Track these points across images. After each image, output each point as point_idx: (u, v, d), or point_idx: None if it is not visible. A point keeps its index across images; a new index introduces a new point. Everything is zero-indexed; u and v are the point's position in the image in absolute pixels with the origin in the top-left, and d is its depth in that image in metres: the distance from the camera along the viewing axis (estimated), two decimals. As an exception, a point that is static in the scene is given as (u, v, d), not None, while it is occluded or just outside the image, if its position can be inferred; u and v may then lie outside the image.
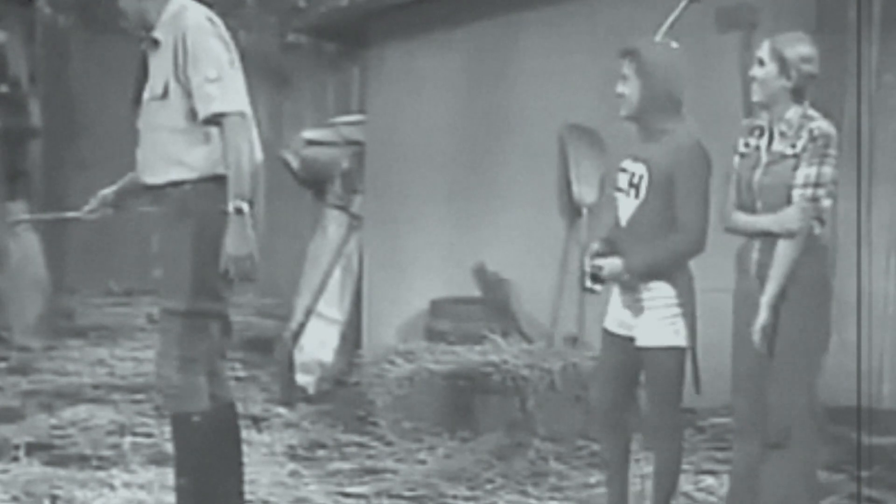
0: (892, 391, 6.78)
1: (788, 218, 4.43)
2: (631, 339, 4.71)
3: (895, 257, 6.88)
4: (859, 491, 5.37)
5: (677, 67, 4.69)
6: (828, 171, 4.41)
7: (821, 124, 4.43)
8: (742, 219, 4.53)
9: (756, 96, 4.54)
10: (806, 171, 4.40)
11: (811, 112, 4.49)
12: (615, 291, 4.78)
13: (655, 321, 4.64)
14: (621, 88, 4.69)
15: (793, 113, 4.47)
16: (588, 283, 4.78)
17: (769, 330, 4.43)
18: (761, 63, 4.50)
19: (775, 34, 4.55)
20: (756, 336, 4.43)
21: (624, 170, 4.73)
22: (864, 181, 6.68)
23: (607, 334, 4.83)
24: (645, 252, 4.63)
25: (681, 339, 4.64)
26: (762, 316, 4.43)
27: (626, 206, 4.71)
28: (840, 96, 6.78)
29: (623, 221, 4.73)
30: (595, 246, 4.83)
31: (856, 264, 6.55)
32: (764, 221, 4.48)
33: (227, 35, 4.54)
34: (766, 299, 4.43)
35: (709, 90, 6.51)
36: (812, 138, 4.40)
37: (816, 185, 4.40)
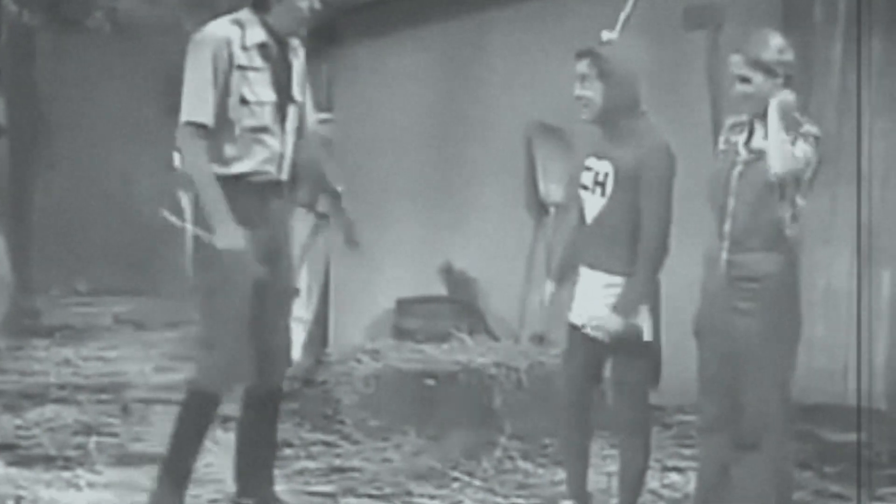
0: (856, 389, 6.80)
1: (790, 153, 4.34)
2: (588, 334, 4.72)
3: (858, 256, 6.90)
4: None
5: (637, 66, 4.71)
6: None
7: (808, 128, 4.41)
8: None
9: (748, 112, 4.47)
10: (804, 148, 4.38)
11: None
12: (579, 287, 4.79)
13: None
14: (581, 91, 4.68)
15: None
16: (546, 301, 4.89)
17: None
18: (746, 80, 4.39)
19: (738, 42, 4.50)
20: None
21: (589, 168, 4.73)
22: (828, 180, 6.70)
23: (572, 330, 4.83)
24: (628, 291, 4.63)
25: (647, 334, 4.66)
26: None
27: (592, 204, 4.71)
28: (806, 95, 6.81)
29: (588, 219, 4.74)
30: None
31: (822, 263, 6.60)
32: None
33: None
34: None
35: (675, 89, 6.54)
36: (804, 138, 4.37)
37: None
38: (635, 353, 4.67)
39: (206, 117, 4.64)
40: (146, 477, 5.69)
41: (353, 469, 5.97)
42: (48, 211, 13.08)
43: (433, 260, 7.46)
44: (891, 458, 5.98)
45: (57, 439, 6.46)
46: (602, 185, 4.65)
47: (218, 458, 6.09)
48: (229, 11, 4.79)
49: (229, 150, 4.71)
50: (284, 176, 4.85)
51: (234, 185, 4.69)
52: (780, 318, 4.45)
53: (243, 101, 4.68)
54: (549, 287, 5.00)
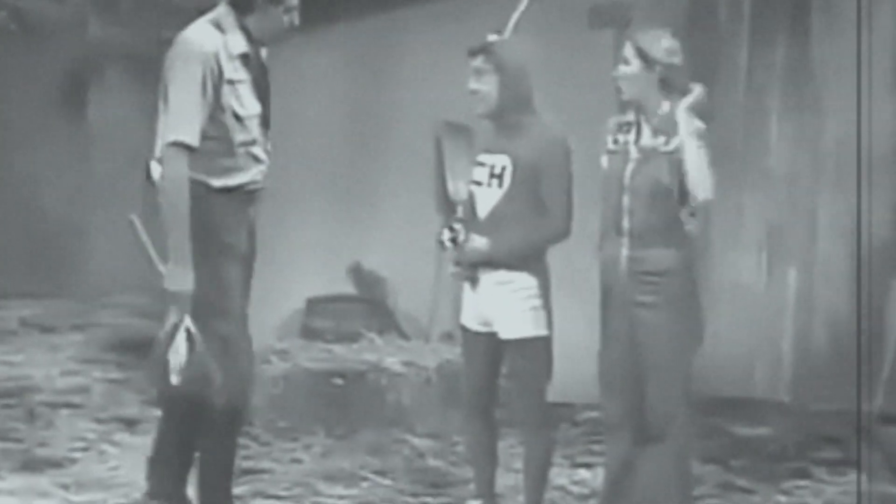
0: (763, 382, 6.90)
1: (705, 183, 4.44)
2: (491, 335, 4.74)
3: (766, 254, 6.99)
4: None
5: (530, 62, 4.75)
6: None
7: (696, 123, 4.48)
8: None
9: (626, 94, 4.59)
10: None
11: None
12: (467, 288, 4.82)
13: (519, 313, 4.68)
14: (477, 85, 4.73)
15: (666, 109, 4.52)
16: (445, 241, 4.80)
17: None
18: (626, 62, 4.56)
19: (634, 34, 4.61)
20: None
21: (482, 163, 4.77)
22: (736, 180, 6.78)
23: (466, 332, 4.86)
24: (512, 233, 4.66)
25: (543, 329, 4.69)
26: None
27: (487, 198, 4.75)
28: (710, 96, 6.87)
29: (482, 214, 4.77)
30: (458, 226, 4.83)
31: (730, 261, 6.67)
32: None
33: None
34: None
35: (581, 87, 6.57)
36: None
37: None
38: (529, 348, 4.70)
39: (193, 138, 4.40)
40: (51, 482, 5.63)
41: (262, 470, 5.93)
42: (-49, 214, 12.88)
43: (342, 259, 7.42)
44: (796, 451, 6.06)
45: (-40, 445, 6.34)
46: (499, 177, 4.69)
47: (125, 461, 6.03)
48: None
49: (227, 162, 4.53)
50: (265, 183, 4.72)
51: (226, 196, 4.54)
52: (680, 313, 4.51)
53: (236, 117, 4.50)
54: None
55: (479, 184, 4.78)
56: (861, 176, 6.42)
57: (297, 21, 4.66)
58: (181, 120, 4.41)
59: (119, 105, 12.62)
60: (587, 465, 5.85)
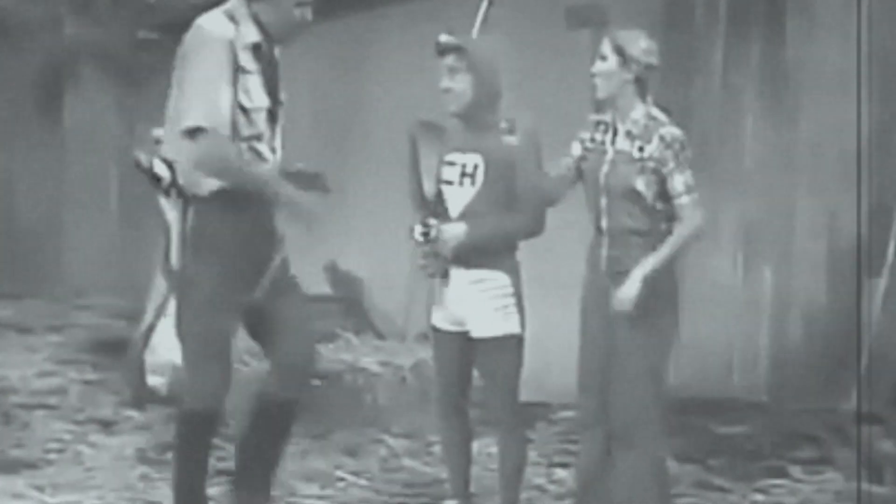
0: (739, 381, 6.92)
1: (695, 224, 4.47)
2: (463, 334, 4.74)
3: (741, 253, 7.01)
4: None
5: (502, 60, 4.76)
6: (689, 173, 4.47)
7: (671, 129, 4.48)
8: (654, 260, 4.46)
9: (600, 92, 4.58)
10: (682, 178, 4.45)
11: (656, 113, 4.54)
12: (439, 288, 4.81)
13: (491, 311, 4.69)
14: (450, 83, 4.72)
15: (639, 113, 4.52)
16: (417, 236, 4.78)
17: (637, 300, 4.43)
18: (603, 58, 4.55)
19: (612, 33, 4.61)
20: (623, 305, 4.43)
21: (452, 163, 4.77)
22: (711, 180, 6.79)
23: (438, 332, 4.85)
24: (488, 221, 4.66)
25: (515, 327, 4.69)
26: (633, 286, 4.40)
27: (459, 197, 4.75)
28: (686, 96, 6.90)
29: (454, 213, 4.76)
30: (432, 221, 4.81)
31: (706, 261, 6.67)
32: (676, 242, 4.48)
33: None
34: (640, 271, 4.40)
35: (558, 87, 6.59)
36: (667, 144, 4.45)
37: (692, 186, 4.46)
38: (502, 347, 4.70)
39: (216, 121, 4.25)
40: (26, 484, 5.60)
41: (238, 471, 5.90)
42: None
43: (318, 259, 7.41)
44: (773, 450, 6.08)
45: None
46: (471, 176, 4.70)
47: (100, 463, 6.01)
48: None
49: None
50: None
51: (232, 198, 4.37)
52: (657, 313, 4.50)
53: (242, 109, 4.36)
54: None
55: (450, 183, 4.77)
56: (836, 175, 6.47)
57: (309, 17, 4.53)
58: (208, 105, 4.26)
59: (95, 104, 12.60)
60: (564, 465, 5.85)
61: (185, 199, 4.41)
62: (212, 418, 4.58)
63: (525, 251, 4.85)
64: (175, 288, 4.55)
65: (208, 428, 4.60)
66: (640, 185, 4.46)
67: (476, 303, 4.70)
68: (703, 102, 6.87)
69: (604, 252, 4.57)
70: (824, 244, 6.67)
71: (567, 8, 6.74)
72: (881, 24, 6.33)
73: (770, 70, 6.92)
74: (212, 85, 4.28)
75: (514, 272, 4.74)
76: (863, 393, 6.24)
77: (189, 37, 4.42)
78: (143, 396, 7.40)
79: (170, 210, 4.47)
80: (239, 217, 4.40)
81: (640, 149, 4.48)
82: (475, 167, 4.69)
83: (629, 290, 4.39)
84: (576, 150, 4.65)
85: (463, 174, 4.72)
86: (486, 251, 4.68)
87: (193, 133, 4.27)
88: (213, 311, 4.42)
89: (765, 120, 6.95)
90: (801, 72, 6.79)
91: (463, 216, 4.72)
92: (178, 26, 9.68)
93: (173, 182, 4.39)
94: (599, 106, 4.72)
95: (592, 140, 4.62)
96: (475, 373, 4.84)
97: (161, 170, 4.40)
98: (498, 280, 4.70)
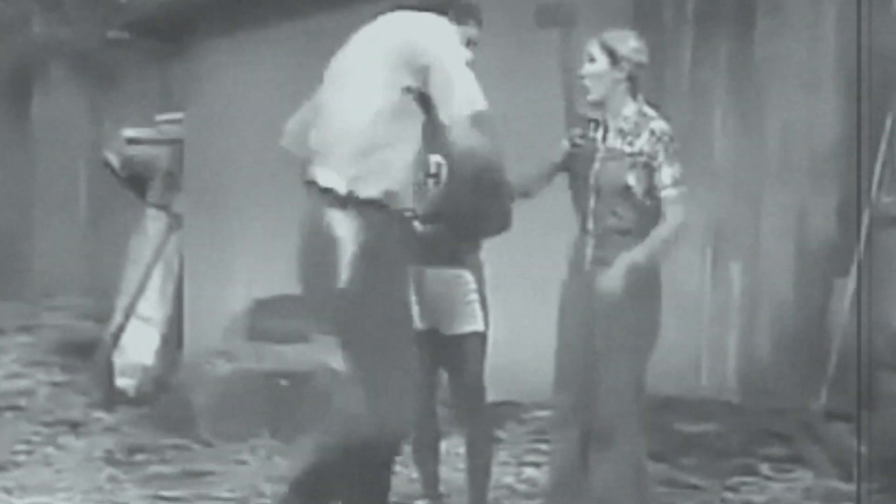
0: (708, 379, 6.93)
1: (678, 218, 4.46)
2: (431, 332, 4.73)
3: (710, 250, 7.02)
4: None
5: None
6: (678, 166, 4.47)
7: (660, 124, 4.48)
8: (641, 249, 4.43)
9: (592, 94, 4.53)
10: (670, 171, 4.44)
11: (646, 109, 4.53)
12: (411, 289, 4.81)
13: (460, 308, 4.69)
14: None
15: (631, 110, 4.50)
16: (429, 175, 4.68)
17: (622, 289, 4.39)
18: (592, 59, 4.51)
19: (599, 32, 4.59)
20: (610, 285, 4.39)
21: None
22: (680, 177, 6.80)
23: None
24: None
25: (480, 324, 4.70)
26: (620, 269, 4.33)
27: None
28: (658, 95, 6.90)
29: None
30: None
31: (673, 259, 6.68)
32: (661, 235, 4.46)
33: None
34: (627, 257, 4.36)
35: (527, 86, 6.59)
36: (657, 138, 4.44)
37: (679, 180, 4.46)
38: (469, 344, 4.70)
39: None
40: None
41: (207, 473, 5.90)
42: None
43: (290, 258, 7.37)
44: (742, 448, 6.09)
45: None
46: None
47: (69, 464, 5.99)
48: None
49: None
50: None
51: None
52: (639, 313, 4.49)
53: None
54: None
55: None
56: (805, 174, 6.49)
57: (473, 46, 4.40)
58: (477, 89, 4.00)
59: (64, 104, 12.53)
60: (534, 464, 5.85)
61: (357, 211, 4.01)
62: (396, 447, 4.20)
63: (496, 250, 4.84)
64: (344, 308, 4.13)
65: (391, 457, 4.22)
66: (632, 179, 4.44)
67: (443, 301, 4.71)
68: (672, 100, 6.87)
69: (588, 252, 4.55)
70: (793, 242, 6.69)
71: (537, 6, 6.72)
72: (850, 23, 6.35)
73: (738, 69, 6.94)
74: (467, 70, 4.07)
75: (477, 270, 4.75)
76: (832, 391, 6.26)
77: (430, 24, 4.20)
78: (112, 398, 7.39)
79: (338, 224, 4.11)
80: (403, 229, 4.12)
81: (630, 143, 4.47)
82: (439, 166, 4.68)
83: (616, 272, 4.35)
84: (564, 145, 4.64)
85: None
86: (454, 250, 4.69)
87: (478, 118, 4.02)
88: (396, 332, 4.03)
89: (733, 118, 6.96)
90: (770, 70, 6.80)
91: (430, 217, 4.70)
92: (148, 25, 9.69)
93: (350, 194, 4.03)
94: (573, 105, 4.70)
95: (582, 136, 4.59)
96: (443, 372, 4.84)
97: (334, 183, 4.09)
98: (462, 278, 4.70)
